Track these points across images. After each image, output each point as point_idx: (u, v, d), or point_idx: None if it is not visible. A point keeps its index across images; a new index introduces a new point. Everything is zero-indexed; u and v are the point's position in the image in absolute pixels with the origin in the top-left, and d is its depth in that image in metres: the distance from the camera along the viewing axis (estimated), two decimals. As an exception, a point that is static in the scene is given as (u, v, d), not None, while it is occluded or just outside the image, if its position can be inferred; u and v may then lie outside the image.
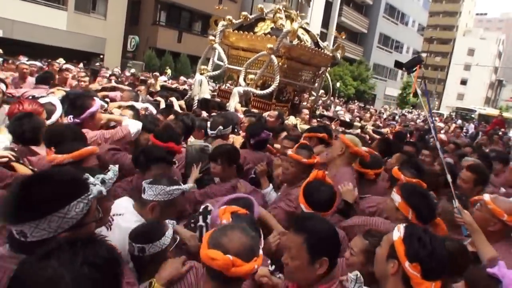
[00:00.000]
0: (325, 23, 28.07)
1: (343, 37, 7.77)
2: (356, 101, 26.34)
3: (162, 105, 4.34)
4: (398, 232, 1.28)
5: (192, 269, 1.41)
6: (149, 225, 1.55)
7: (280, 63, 5.68)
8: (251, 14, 6.59)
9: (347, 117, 9.20)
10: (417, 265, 1.18)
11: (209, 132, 3.09)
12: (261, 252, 1.23)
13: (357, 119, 9.61)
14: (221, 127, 3.04)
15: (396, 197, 1.86)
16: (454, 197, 2.11)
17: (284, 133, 3.42)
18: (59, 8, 17.27)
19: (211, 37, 6.23)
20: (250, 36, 5.94)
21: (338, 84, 28.66)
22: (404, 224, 1.34)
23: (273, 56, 5.46)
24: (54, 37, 16.51)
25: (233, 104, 5.21)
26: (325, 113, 8.68)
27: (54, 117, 2.42)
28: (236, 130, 3.76)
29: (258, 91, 5.68)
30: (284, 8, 6.17)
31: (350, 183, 2.32)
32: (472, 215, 1.98)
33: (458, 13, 54.61)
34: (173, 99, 4.65)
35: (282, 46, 5.45)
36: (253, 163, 2.77)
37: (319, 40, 6.79)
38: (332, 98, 20.74)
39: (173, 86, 8.89)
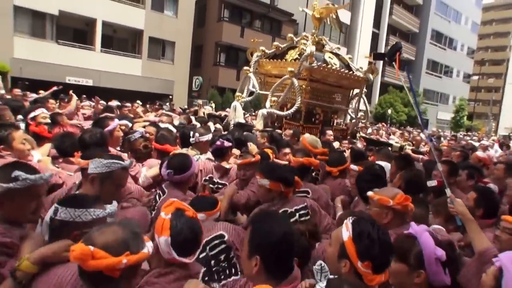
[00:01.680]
0: (375, 49, 28.34)
1: (372, 60, 7.61)
2: (408, 126, 25.68)
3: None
4: (347, 232, 1.25)
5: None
6: (82, 195, 1.59)
7: (303, 85, 5.92)
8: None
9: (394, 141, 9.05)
10: (368, 263, 1.19)
11: (190, 140, 3.26)
12: (145, 250, 1.11)
13: (408, 142, 9.34)
14: (197, 134, 3.22)
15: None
16: (447, 186, 2.06)
17: (287, 149, 3.51)
18: (135, 57, 19.42)
19: (245, 67, 6.70)
20: (279, 63, 6.27)
21: (389, 111, 28.26)
22: (351, 220, 1.28)
23: (294, 79, 5.67)
24: (131, 82, 18.44)
25: (258, 124, 5.64)
26: (362, 134, 8.36)
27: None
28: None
29: (279, 112, 5.92)
30: (314, 35, 6.46)
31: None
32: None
33: (510, 33, 52.32)
34: (210, 123, 5.17)
35: (303, 69, 5.67)
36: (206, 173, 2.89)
37: (350, 62, 6.94)
38: (385, 124, 20.50)
39: (218, 113, 9.32)
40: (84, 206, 1.32)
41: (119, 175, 1.81)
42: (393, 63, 2.58)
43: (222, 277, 1.64)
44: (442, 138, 13.68)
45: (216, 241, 1.70)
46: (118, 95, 15.73)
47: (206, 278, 1.55)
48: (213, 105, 17.65)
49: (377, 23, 29.82)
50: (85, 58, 17.45)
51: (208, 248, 1.67)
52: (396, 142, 8.02)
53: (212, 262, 1.66)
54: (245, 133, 4.42)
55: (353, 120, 7.36)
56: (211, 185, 2.79)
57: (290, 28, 24.58)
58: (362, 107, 7.34)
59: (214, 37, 22.02)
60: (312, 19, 6.81)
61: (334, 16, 6.99)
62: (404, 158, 3.61)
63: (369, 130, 12.11)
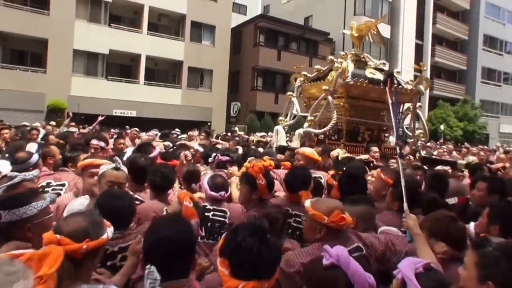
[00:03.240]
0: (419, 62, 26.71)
1: (424, 68, 7.32)
2: (465, 143, 23.24)
3: None
4: None
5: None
6: (18, 193, 1.66)
7: (341, 103, 5.91)
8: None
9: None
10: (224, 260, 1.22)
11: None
12: (104, 236, 1.31)
13: (470, 157, 8.82)
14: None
15: None
16: (405, 200, 2.01)
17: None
18: (175, 87, 20.22)
19: (289, 93, 7.02)
20: (321, 84, 6.25)
21: (442, 127, 25.96)
22: None
23: (329, 97, 5.67)
24: (172, 112, 19.07)
25: (295, 144, 5.78)
26: (423, 153, 7.61)
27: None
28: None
29: (315, 130, 5.96)
30: (355, 53, 6.44)
31: None
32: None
33: None
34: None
35: (338, 86, 5.63)
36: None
37: (397, 76, 6.61)
38: (441, 141, 18.71)
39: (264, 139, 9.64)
40: (26, 203, 1.48)
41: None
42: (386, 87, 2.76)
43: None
44: (497, 152, 12.06)
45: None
46: (159, 125, 16.31)
47: None
48: (237, 128, 17.57)
49: (420, 33, 28.24)
50: (130, 91, 18.53)
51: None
52: (471, 161, 7.08)
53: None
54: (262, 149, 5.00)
55: (411, 140, 6.96)
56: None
57: (327, 48, 24.17)
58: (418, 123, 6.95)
59: (250, 62, 22.29)
60: (352, 39, 6.80)
61: (374, 32, 6.87)
62: (498, 180, 2.92)
63: (436, 152, 10.88)
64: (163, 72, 20.78)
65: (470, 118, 27.87)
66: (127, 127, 11.73)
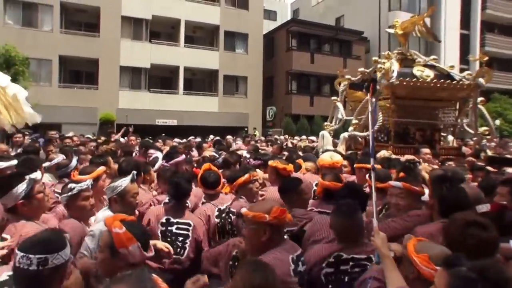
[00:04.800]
0: (465, 53, 24.88)
1: (485, 59, 6.58)
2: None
3: None
4: None
5: None
6: (49, 233, 1.38)
7: (387, 104, 5.79)
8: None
9: None
10: None
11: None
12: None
13: None
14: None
15: None
16: (374, 216, 1.91)
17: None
18: (212, 95, 21.11)
19: (333, 98, 7.08)
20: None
21: (497, 122, 23.76)
22: None
23: (373, 99, 5.30)
24: (210, 119, 19.95)
25: (341, 148, 5.74)
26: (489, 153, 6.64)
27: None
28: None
29: (359, 133, 5.98)
30: (400, 52, 6.21)
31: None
32: None
33: None
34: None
35: (382, 87, 5.47)
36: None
37: (451, 72, 6.18)
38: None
39: (311, 144, 9.57)
40: (66, 245, 1.32)
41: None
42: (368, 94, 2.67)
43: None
44: None
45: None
46: (198, 132, 17.18)
47: None
48: (257, 133, 17.65)
49: (466, 23, 26.34)
50: (171, 101, 19.75)
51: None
52: None
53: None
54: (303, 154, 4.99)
55: (474, 138, 6.53)
56: None
57: (361, 47, 23.62)
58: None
59: (284, 66, 22.53)
60: (397, 36, 6.69)
61: (421, 27, 6.60)
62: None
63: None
64: (200, 81, 21.83)
65: (531, 109, 25.23)
66: (163, 135, 12.40)
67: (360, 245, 1.90)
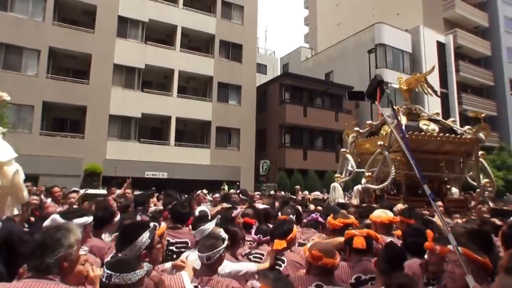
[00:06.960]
0: (446, 109, 26.19)
1: (482, 115, 7.14)
2: (507, 193, 21.58)
3: None
4: None
5: None
6: (127, 258, 1.70)
7: (398, 157, 5.95)
8: (372, 120, 7.45)
9: None
10: None
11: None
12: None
13: None
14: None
15: None
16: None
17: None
18: (203, 147, 20.44)
19: (342, 149, 7.19)
20: (375, 139, 6.34)
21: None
22: None
23: (385, 152, 5.71)
24: (201, 172, 19.10)
25: (354, 201, 5.80)
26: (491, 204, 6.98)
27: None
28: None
29: (373, 186, 5.99)
30: (407, 106, 6.53)
31: None
32: None
33: None
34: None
35: (393, 140, 5.65)
36: None
37: (453, 125, 6.58)
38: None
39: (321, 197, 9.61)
40: (133, 269, 1.51)
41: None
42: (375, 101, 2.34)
43: None
44: None
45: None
46: (189, 185, 16.20)
47: None
48: (226, 187, 16.82)
49: (444, 82, 28.13)
50: (161, 152, 18.87)
51: None
52: None
53: None
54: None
55: (477, 190, 6.74)
56: None
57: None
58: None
59: (277, 119, 22.57)
60: (402, 92, 7.06)
61: (424, 84, 7.05)
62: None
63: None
64: (192, 133, 21.26)
65: (509, 166, 26.35)
66: (153, 188, 11.40)
67: None
